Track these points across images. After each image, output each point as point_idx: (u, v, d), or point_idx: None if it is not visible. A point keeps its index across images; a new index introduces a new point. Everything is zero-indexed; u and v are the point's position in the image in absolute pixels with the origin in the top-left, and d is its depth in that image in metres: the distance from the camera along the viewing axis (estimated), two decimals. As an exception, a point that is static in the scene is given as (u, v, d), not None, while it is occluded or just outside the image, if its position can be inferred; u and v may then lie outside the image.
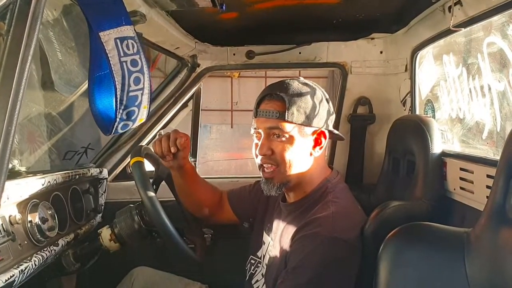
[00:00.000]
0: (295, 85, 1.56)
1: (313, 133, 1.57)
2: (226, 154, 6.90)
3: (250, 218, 1.99)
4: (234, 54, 2.36)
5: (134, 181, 1.69)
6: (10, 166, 2.10)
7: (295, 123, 1.52)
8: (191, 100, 2.52)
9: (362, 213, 1.61)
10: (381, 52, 2.31)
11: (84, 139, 2.87)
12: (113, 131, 1.19)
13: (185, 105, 2.49)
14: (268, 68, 2.46)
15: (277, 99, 1.54)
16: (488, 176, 1.44)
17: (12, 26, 0.77)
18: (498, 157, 1.14)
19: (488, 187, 1.42)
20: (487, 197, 1.18)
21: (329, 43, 2.34)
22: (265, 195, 1.70)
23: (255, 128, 1.60)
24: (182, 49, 2.21)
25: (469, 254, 1.15)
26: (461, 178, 1.62)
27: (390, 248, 1.26)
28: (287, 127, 1.52)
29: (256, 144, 1.59)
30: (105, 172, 2.29)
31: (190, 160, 1.87)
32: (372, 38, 2.30)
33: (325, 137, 1.59)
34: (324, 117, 1.58)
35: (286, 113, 1.51)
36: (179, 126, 2.56)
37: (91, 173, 2.13)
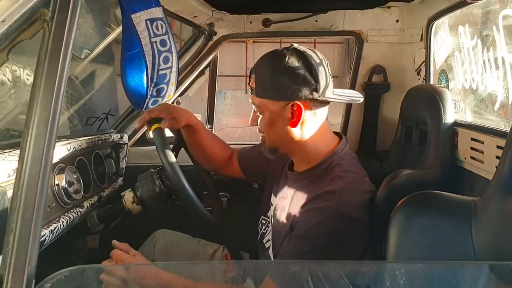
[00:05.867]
0: (266, 60, 1.57)
1: (285, 106, 1.53)
2: (240, 120, 6.91)
3: (259, 179, 2.06)
4: (250, 22, 2.38)
5: (153, 146, 1.74)
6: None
7: (262, 98, 1.55)
8: (208, 68, 2.56)
9: (371, 185, 1.60)
10: (397, 21, 2.31)
11: (104, 105, 2.94)
12: (144, 106, 1.26)
13: (202, 73, 2.53)
14: (284, 36, 2.46)
15: (253, 74, 1.59)
16: (498, 146, 1.47)
17: (55, 13, 0.83)
18: (508, 129, 1.16)
19: (497, 157, 1.45)
20: (496, 167, 1.20)
21: (345, 11, 2.33)
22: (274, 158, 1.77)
23: None
24: (200, 18, 2.23)
25: (475, 222, 1.18)
26: (471, 148, 1.65)
27: (400, 215, 1.30)
28: (258, 102, 1.57)
29: None
30: (125, 137, 2.36)
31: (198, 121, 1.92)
32: (389, 7, 2.29)
33: (299, 110, 1.52)
34: (297, 89, 1.50)
35: (255, 89, 1.56)
36: (196, 94, 2.62)
37: (113, 139, 2.21)
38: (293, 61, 1.51)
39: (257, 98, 1.57)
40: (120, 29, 2.83)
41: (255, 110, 1.61)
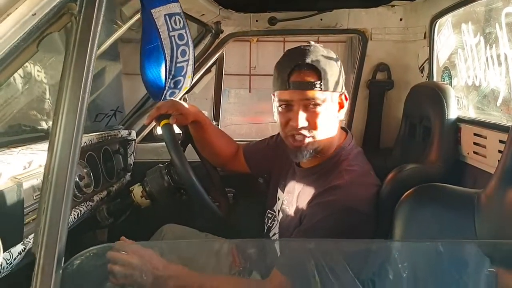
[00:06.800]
0: (322, 53, 1.56)
1: (339, 97, 1.60)
2: (244, 118, 6.95)
3: (265, 173, 2.09)
4: (256, 21, 2.41)
5: (160, 143, 1.76)
6: (46, 127, 2.23)
7: (329, 91, 1.54)
8: (214, 66, 2.59)
9: (376, 179, 1.64)
10: (400, 20, 2.34)
11: (112, 102, 2.96)
12: (162, 98, 1.30)
13: (208, 70, 2.56)
14: (289, 34, 2.50)
15: (309, 69, 1.51)
16: (500, 141, 1.50)
17: (83, 7, 0.87)
18: (510, 124, 1.18)
19: (500, 151, 1.48)
20: (498, 161, 1.22)
21: (350, 10, 2.36)
22: (281, 152, 1.80)
23: (285, 100, 1.56)
24: (207, 16, 2.27)
25: (478, 214, 1.21)
26: (474, 143, 1.68)
27: (405, 207, 1.33)
28: (323, 96, 1.52)
29: (285, 116, 1.57)
30: (133, 133, 2.40)
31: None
32: (393, 6, 2.32)
33: (346, 99, 1.63)
34: (343, 80, 1.61)
35: (322, 83, 1.51)
36: (200, 92, 2.65)
37: (121, 135, 2.24)
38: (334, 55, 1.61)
39: (324, 92, 1.53)
40: (125, 27, 2.87)
41: (316, 104, 1.53)
